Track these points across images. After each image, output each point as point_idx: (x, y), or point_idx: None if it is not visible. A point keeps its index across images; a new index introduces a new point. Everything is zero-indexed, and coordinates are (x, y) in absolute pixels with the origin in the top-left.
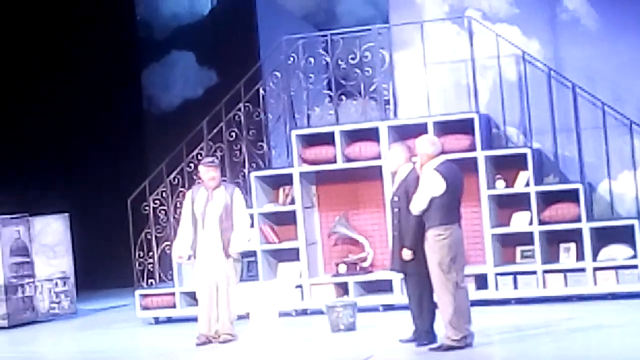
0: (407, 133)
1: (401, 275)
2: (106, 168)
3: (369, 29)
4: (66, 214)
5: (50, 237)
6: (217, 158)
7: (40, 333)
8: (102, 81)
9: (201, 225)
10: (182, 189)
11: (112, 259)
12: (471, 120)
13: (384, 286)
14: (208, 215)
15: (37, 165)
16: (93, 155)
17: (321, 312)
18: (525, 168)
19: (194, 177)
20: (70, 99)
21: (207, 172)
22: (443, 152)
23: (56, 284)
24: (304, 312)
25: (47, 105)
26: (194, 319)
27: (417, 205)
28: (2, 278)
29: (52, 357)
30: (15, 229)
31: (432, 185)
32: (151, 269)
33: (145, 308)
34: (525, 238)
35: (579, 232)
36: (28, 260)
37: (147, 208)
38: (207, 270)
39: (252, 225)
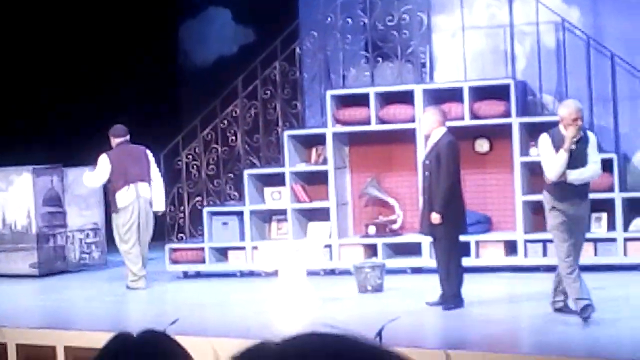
0: (442, 97)
1: (430, 239)
2: (140, 122)
3: None
4: None
5: (83, 188)
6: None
7: (70, 282)
8: (139, 34)
9: None
10: (215, 146)
11: None
12: (507, 86)
13: (413, 249)
14: None
15: (71, 117)
16: (127, 108)
17: (349, 273)
18: None
19: (228, 133)
20: (106, 50)
21: None
22: (477, 117)
23: (87, 234)
24: (332, 272)
25: (82, 57)
26: (223, 275)
27: (554, 169)
28: (35, 227)
29: (83, 305)
30: (48, 178)
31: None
32: (182, 224)
33: (174, 262)
34: None
35: (611, 202)
36: (60, 210)
37: (179, 163)
38: None
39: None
